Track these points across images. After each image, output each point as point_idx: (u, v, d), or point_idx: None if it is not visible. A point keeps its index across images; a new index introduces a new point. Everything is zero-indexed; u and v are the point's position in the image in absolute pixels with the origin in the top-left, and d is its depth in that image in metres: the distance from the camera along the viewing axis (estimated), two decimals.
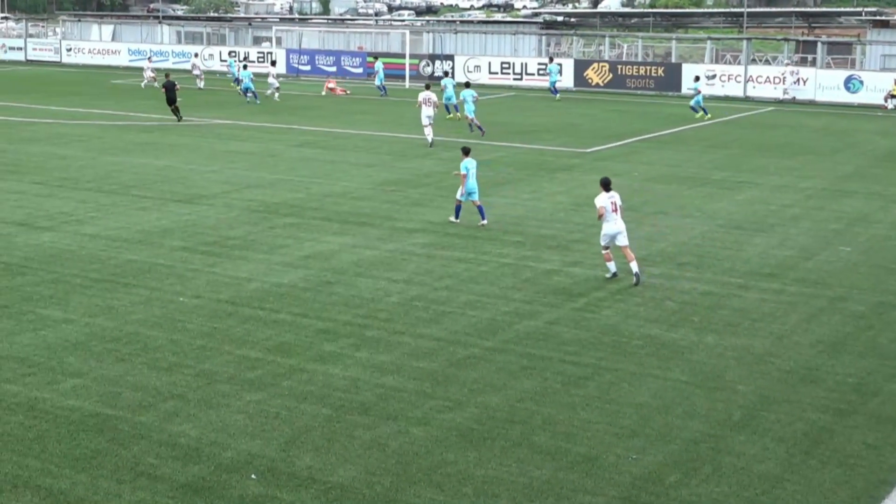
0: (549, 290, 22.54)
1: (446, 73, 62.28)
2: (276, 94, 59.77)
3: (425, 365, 18.04)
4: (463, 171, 27.97)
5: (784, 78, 61.73)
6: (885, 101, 58.40)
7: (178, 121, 49.32)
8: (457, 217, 28.62)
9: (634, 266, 22.81)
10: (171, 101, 49.97)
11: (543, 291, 22.47)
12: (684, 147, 43.43)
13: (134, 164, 37.99)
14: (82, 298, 21.63)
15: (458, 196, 28.51)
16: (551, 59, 65.66)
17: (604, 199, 22.82)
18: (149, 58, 71.93)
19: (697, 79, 51.99)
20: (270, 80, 60.65)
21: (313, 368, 17.82)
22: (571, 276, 23.60)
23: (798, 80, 61.34)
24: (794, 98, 59.86)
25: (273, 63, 65.11)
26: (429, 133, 42.25)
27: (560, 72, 64.04)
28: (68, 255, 25.11)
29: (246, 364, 17.98)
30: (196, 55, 75.18)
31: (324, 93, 65.01)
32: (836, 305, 21.72)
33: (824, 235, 27.85)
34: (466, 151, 28.55)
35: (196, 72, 67.70)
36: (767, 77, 62.98)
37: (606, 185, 23.10)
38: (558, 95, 62.11)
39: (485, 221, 28.33)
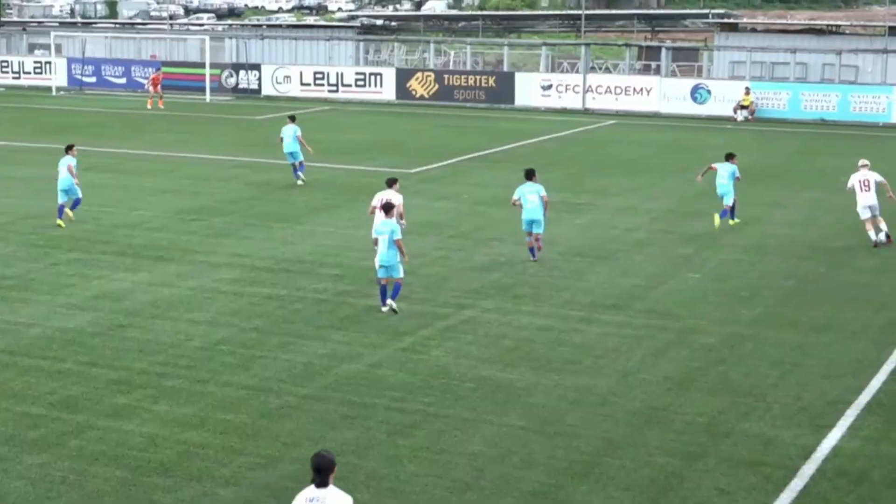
0: (371, 329, 22.74)
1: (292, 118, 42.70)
2: None
3: (233, 417, 18.04)
4: (374, 235, 24.16)
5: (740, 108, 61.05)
6: (735, 112, 60.36)
7: None
8: (383, 303, 23.96)
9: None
10: None
11: (364, 330, 22.66)
12: (519, 166, 43.71)
13: None
14: None
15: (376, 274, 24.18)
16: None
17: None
18: None
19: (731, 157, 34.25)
20: None
21: (105, 425, 17.65)
22: (396, 313, 23.82)
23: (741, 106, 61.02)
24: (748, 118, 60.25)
25: None
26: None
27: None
28: None
29: (27, 422, 17.71)
30: None
31: (152, 91, 64.39)
32: (685, 338, 22.44)
33: (672, 261, 28.71)
34: (386, 209, 24.25)
35: None
36: (608, 87, 64.45)
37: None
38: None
39: (394, 306, 23.78)
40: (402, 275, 23.98)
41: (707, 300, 25.19)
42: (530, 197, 28.44)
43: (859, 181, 30.71)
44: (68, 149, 33.72)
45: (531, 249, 28.60)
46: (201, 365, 20.50)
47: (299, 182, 39.41)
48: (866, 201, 30.38)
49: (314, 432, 17.47)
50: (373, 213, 25.71)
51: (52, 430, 17.43)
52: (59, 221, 32.19)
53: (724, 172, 33.06)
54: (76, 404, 18.52)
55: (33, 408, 18.34)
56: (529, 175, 29.13)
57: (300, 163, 39.65)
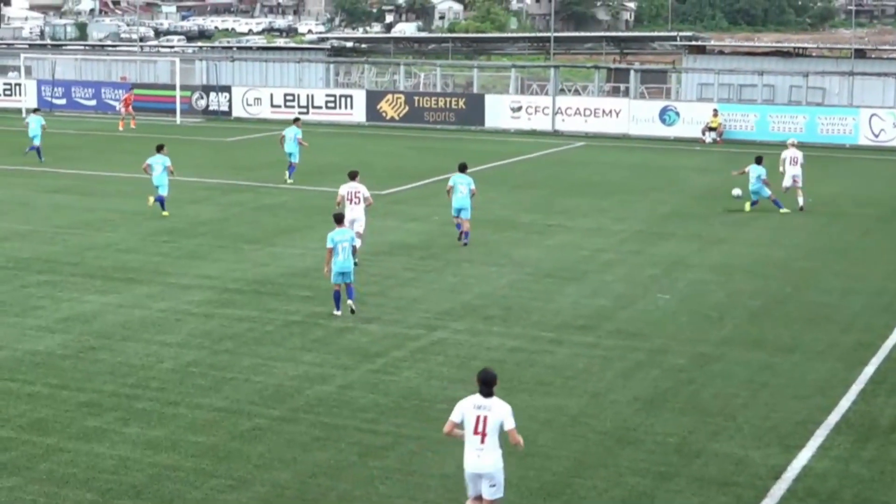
0: (342, 351, 22.73)
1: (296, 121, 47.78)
2: None
3: (204, 439, 17.99)
4: (329, 245, 24.92)
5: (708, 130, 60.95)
6: (703, 133, 60.63)
7: None
8: (337, 308, 25.27)
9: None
10: None
11: (336, 352, 22.64)
12: (489, 187, 44.21)
13: None
14: None
15: (330, 278, 25.19)
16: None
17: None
18: None
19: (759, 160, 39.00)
20: None
21: (75, 448, 17.57)
22: (367, 334, 23.84)
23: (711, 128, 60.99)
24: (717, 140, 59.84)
25: None
26: (358, 242, 28.14)
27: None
28: None
29: None
30: None
31: (124, 112, 64.29)
32: (655, 359, 22.50)
33: (641, 282, 28.79)
34: (339, 219, 25.92)
35: None
36: (577, 109, 64.66)
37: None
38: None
39: (351, 302, 25.19)
40: (353, 277, 25.35)
41: (676, 320, 25.27)
42: (461, 187, 32.51)
43: (790, 157, 39.63)
44: (159, 148, 38.27)
45: (458, 226, 32.99)
46: (172, 387, 20.44)
47: (289, 181, 43.64)
48: (793, 172, 39.32)
49: (286, 454, 17.43)
50: (340, 202, 29.74)
51: (22, 452, 17.34)
52: (164, 213, 36.70)
53: (753, 174, 38.22)
54: (46, 427, 18.43)
55: (2, 431, 18.25)
56: (462, 168, 33.35)
57: (293, 164, 44.16)
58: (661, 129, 62.28)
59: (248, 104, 70.57)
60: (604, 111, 64.02)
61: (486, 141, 60.84)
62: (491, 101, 66.91)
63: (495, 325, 24.71)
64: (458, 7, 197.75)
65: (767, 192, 38.33)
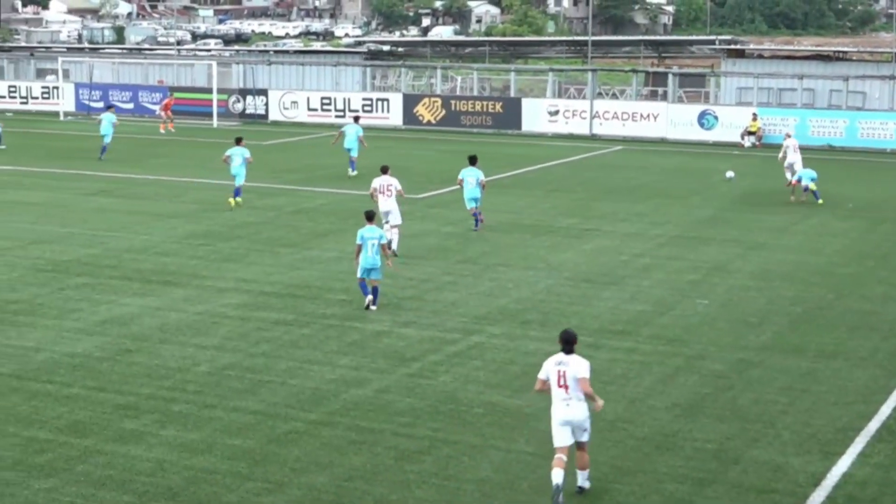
0: (378, 354, 22.74)
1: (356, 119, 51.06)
2: None
3: (241, 442, 18.03)
4: (358, 241, 26.00)
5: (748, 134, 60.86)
6: (742, 138, 60.39)
7: None
8: (365, 293, 26.11)
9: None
10: None
11: (372, 356, 22.66)
12: (526, 191, 44.26)
13: None
14: None
15: (357, 272, 26.18)
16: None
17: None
18: None
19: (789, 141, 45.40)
20: None
21: (112, 450, 17.65)
22: (403, 338, 23.85)
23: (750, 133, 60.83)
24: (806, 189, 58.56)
25: None
26: (393, 234, 31.55)
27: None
28: None
29: (34, 447, 17.71)
30: None
31: (164, 115, 64.56)
32: (694, 364, 22.41)
33: (679, 287, 28.69)
34: (370, 217, 26.57)
35: None
36: (615, 113, 64.55)
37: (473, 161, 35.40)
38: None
39: (374, 306, 25.95)
40: (381, 277, 26.02)
41: (715, 326, 25.16)
42: (470, 179, 35.14)
43: (792, 145, 44.64)
44: (238, 141, 40.67)
45: (475, 216, 35.48)
46: (209, 390, 20.51)
47: (352, 173, 46.77)
48: (793, 160, 43.93)
49: (322, 457, 17.45)
50: (374, 195, 32.00)
51: (60, 454, 17.43)
52: (236, 200, 39.03)
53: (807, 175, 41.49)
54: (83, 429, 18.52)
55: (40, 432, 18.35)
56: (472, 160, 35.78)
57: (353, 159, 47.34)
58: (700, 133, 62.09)
59: (284, 108, 70.80)
60: (642, 115, 63.91)
61: (523, 145, 60.81)
62: (528, 104, 66.90)
63: (533, 329, 24.67)
64: (496, 10, 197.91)
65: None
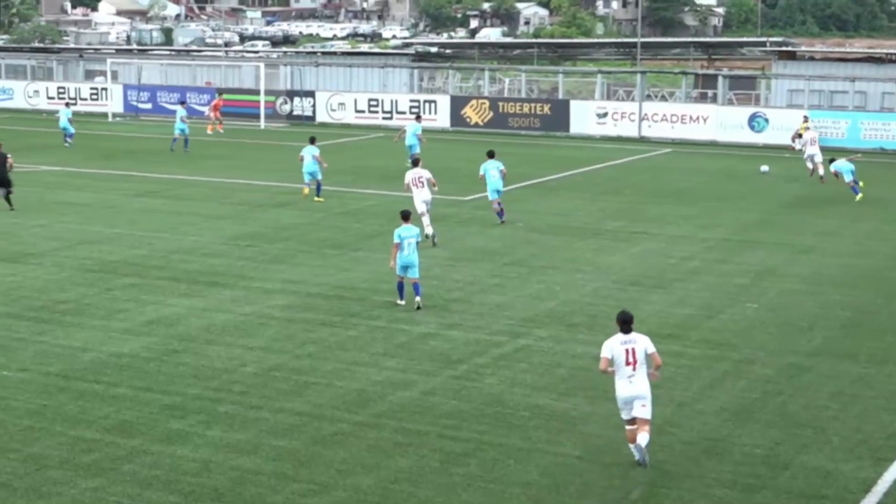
0: (424, 357, 22.75)
1: (418, 117, 54.86)
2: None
3: (286, 443, 18.08)
4: (396, 240, 26.35)
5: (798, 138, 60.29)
6: (793, 141, 59.95)
7: (9, 209, 38.40)
8: (401, 297, 26.65)
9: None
10: (3, 182, 38.83)
11: (418, 358, 22.67)
12: (574, 194, 44.18)
13: None
14: None
15: (396, 270, 26.53)
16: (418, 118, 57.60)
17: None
18: None
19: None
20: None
21: (158, 450, 17.74)
22: (450, 341, 23.85)
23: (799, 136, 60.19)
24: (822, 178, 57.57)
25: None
26: (426, 220, 33.83)
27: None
28: None
29: (81, 446, 17.83)
30: None
31: (213, 116, 64.89)
32: (742, 369, 22.29)
33: (728, 291, 28.54)
34: (405, 216, 27.01)
35: None
36: (664, 115, 64.34)
37: (491, 155, 37.30)
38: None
39: (419, 298, 26.28)
40: (419, 274, 26.49)
41: (764, 330, 25.02)
42: (493, 172, 36.78)
43: (811, 138, 47.51)
44: (312, 140, 42.30)
45: (498, 213, 36.95)
46: (255, 391, 20.58)
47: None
48: (812, 152, 46.79)
49: (367, 459, 17.48)
50: (408, 188, 34.18)
51: (106, 454, 17.54)
52: (306, 191, 41.32)
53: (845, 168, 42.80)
54: (130, 429, 18.63)
55: (87, 432, 18.47)
56: (491, 154, 37.84)
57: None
58: (750, 135, 61.75)
59: (331, 109, 70.99)
60: (691, 117, 63.68)
61: (571, 147, 60.70)
62: (576, 106, 66.77)
63: (580, 332, 24.61)
64: (544, 12, 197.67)
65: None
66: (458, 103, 68.69)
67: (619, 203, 41.97)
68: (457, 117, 68.18)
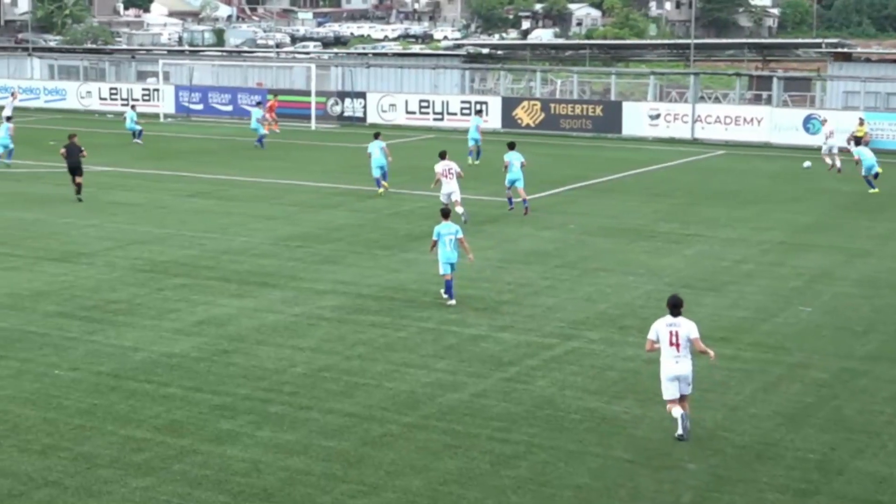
0: (475, 359, 22.75)
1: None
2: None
3: (336, 444, 18.13)
4: (434, 237, 27.05)
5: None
6: (848, 143, 59.48)
7: (78, 199, 41.03)
8: (450, 295, 27.01)
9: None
10: (75, 170, 41.43)
11: (469, 360, 22.67)
12: (626, 196, 44.05)
13: (0, 217, 37.74)
14: None
15: (440, 271, 27.03)
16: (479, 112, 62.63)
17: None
18: (12, 93, 71.56)
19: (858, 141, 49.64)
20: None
21: (208, 450, 17.83)
22: (500, 343, 23.84)
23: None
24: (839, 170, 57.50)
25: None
26: (459, 209, 36.27)
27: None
28: None
29: (131, 445, 17.95)
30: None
31: (269, 117, 65.32)
32: (797, 373, 22.16)
33: (782, 294, 28.38)
34: (445, 214, 27.67)
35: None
36: (717, 117, 64.03)
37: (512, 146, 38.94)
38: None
39: (452, 301, 26.83)
40: (455, 270, 27.06)
41: (819, 334, 24.85)
42: (515, 162, 39.25)
43: (831, 130, 51.67)
44: (377, 135, 44.81)
45: (510, 200, 39.71)
46: (305, 391, 20.65)
47: (476, 162, 53.17)
48: (833, 142, 50.81)
49: (417, 461, 17.49)
50: (438, 182, 37.07)
51: (157, 453, 17.65)
52: (380, 190, 42.83)
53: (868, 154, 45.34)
54: (180, 428, 18.74)
55: (138, 431, 18.59)
56: (512, 146, 40.65)
57: (479, 148, 54.04)
58: (805, 137, 61.28)
59: (382, 110, 71.10)
60: (745, 119, 63.37)
61: (623, 148, 60.53)
62: (628, 108, 66.59)
63: (631, 335, 24.51)
64: (597, 13, 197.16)
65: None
66: (509, 105, 68.63)
67: (671, 205, 41.81)
68: (508, 119, 68.12)
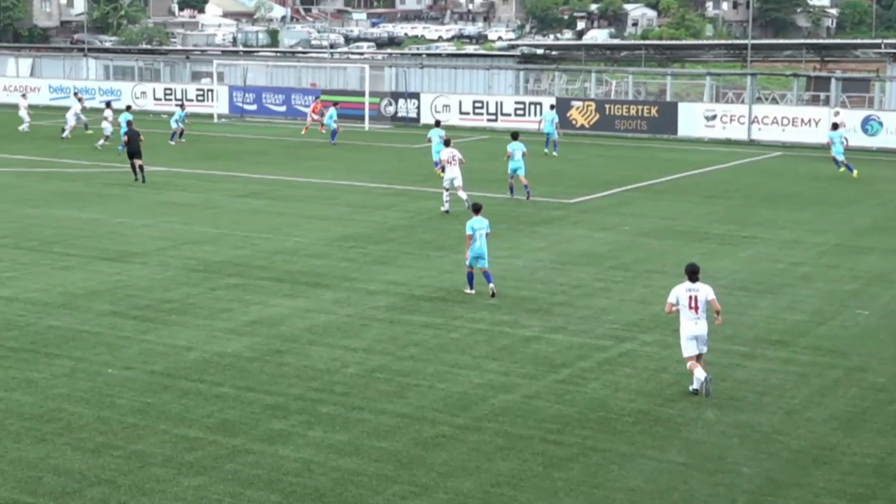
0: (527, 360, 22.73)
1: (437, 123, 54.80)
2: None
3: (388, 445, 18.16)
4: (468, 232, 27.74)
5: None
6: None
7: (142, 181, 45.50)
8: (471, 287, 27.98)
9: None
10: (134, 154, 45.99)
11: (521, 361, 22.65)
12: (681, 197, 43.89)
13: (56, 216, 38.09)
14: None
15: (466, 262, 28.04)
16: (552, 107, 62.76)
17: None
18: (76, 94, 72.09)
19: (836, 126, 52.15)
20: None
21: (260, 449, 17.91)
22: (553, 344, 23.82)
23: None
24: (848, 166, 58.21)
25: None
26: (462, 194, 39.21)
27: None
28: None
29: (184, 444, 18.06)
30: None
31: (312, 118, 65.77)
32: (853, 376, 21.99)
33: (839, 297, 28.19)
34: (477, 209, 28.43)
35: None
36: (774, 118, 63.67)
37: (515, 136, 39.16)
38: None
39: (492, 286, 27.63)
40: (487, 263, 27.82)
41: (877, 337, 24.66)
42: (517, 152, 41.64)
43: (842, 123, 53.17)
44: (437, 123, 49.86)
45: (511, 189, 42.43)
46: (356, 392, 20.70)
47: (553, 154, 56.06)
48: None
49: (469, 462, 17.50)
50: (442, 169, 39.82)
51: (209, 452, 17.75)
52: (440, 172, 42.26)
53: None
54: (233, 428, 18.83)
55: (190, 430, 18.70)
56: (515, 136, 42.64)
57: (555, 141, 56.99)
58: (863, 139, 60.85)
59: (436, 111, 71.15)
60: (802, 120, 62.97)
61: (679, 150, 60.31)
62: (684, 109, 66.36)
63: None
64: (652, 14, 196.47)
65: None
66: (563, 106, 68.51)
67: (727, 207, 41.62)
68: (562, 119, 67.79)
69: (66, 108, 67.27)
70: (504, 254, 32.60)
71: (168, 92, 78.96)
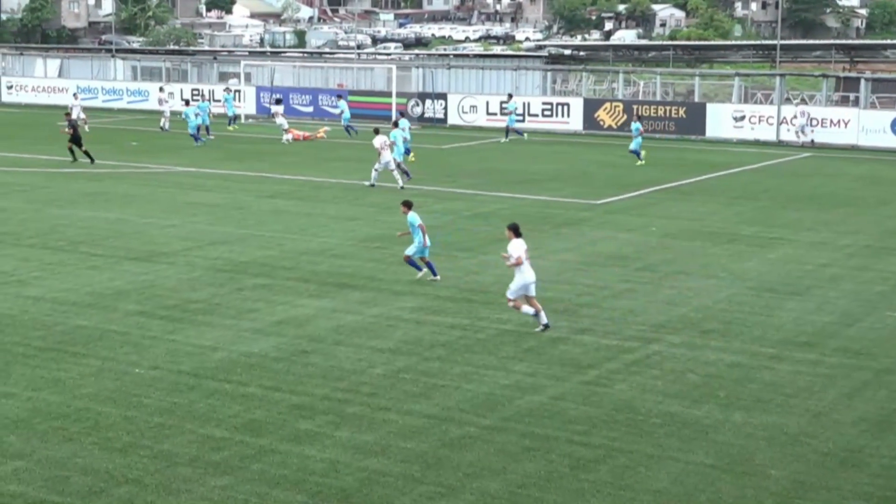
0: (554, 361, 22.72)
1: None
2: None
3: (414, 445, 18.18)
4: (420, 222, 29.32)
5: (796, 119, 62.42)
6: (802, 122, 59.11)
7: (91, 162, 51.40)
8: (434, 274, 29.49)
9: (543, 316, 25.00)
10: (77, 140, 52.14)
11: (548, 362, 22.65)
12: (709, 198, 43.79)
13: (83, 217, 38.25)
14: (24, 370, 21.80)
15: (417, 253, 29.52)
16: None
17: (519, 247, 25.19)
18: (76, 95, 72.98)
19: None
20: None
21: (287, 449, 17.95)
22: (580, 345, 23.80)
23: (809, 121, 61.91)
24: (812, 141, 60.46)
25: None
26: (396, 174, 45.41)
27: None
28: (8, 320, 25.29)
29: (210, 444, 18.11)
30: (161, 90, 75.37)
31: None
32: (882, 379, 21.91)
33: (868, 299, 28.08)
34: (409, 205, 29.92)
35: (164, 107, 69.01)
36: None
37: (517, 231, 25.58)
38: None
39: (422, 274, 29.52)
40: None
41: None
42: (400, 138, 46.51)
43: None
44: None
45: (406, 172, 45.23)
46: (383, 392, 20.73)
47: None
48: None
49: (495, 463, 17.50)
50: (380, 150, 44.67)
51: (235, 452, 17.80)
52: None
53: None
54: (259, 428, 18.89)
55: (217, 430, 18.76)
56: (396, 124, 47.79)
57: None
58: (893, 140, 60.61)
59: (463, 112, 71.20)
60: (831, 121, 62.77)
61: (707, 151, 60.18)
62: (712, 109, 66.21)
63: (713, 339, 24.38)
64: (681, 14, 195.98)
65: None
66: (591, 106, 68.46)
67: (755, 208, 41.51)
68: (590, 120, 67.97)
69: (90, 109, 67.67)
70: (530, 255, 32.51)
71: (195, 92, 79.10)
